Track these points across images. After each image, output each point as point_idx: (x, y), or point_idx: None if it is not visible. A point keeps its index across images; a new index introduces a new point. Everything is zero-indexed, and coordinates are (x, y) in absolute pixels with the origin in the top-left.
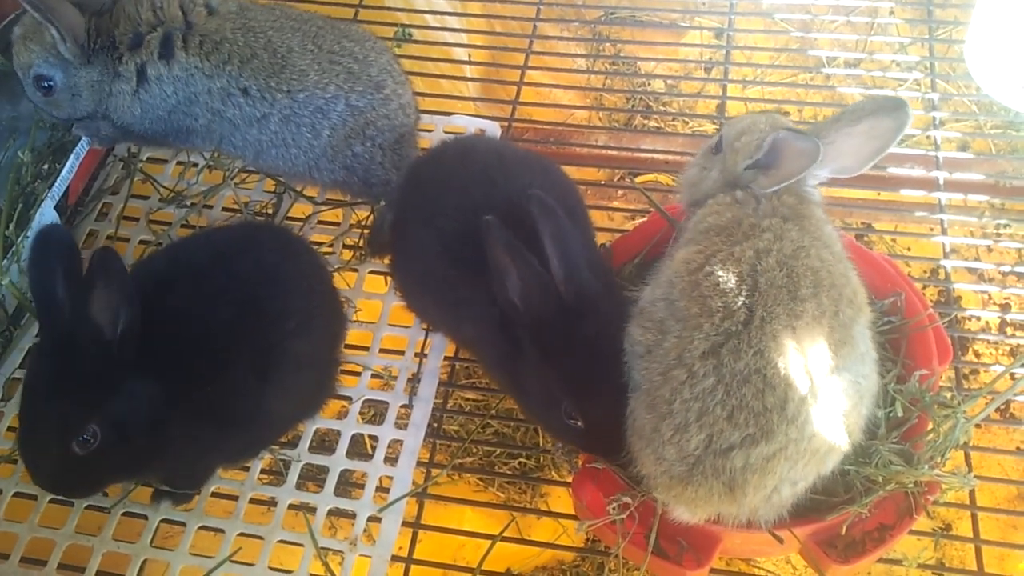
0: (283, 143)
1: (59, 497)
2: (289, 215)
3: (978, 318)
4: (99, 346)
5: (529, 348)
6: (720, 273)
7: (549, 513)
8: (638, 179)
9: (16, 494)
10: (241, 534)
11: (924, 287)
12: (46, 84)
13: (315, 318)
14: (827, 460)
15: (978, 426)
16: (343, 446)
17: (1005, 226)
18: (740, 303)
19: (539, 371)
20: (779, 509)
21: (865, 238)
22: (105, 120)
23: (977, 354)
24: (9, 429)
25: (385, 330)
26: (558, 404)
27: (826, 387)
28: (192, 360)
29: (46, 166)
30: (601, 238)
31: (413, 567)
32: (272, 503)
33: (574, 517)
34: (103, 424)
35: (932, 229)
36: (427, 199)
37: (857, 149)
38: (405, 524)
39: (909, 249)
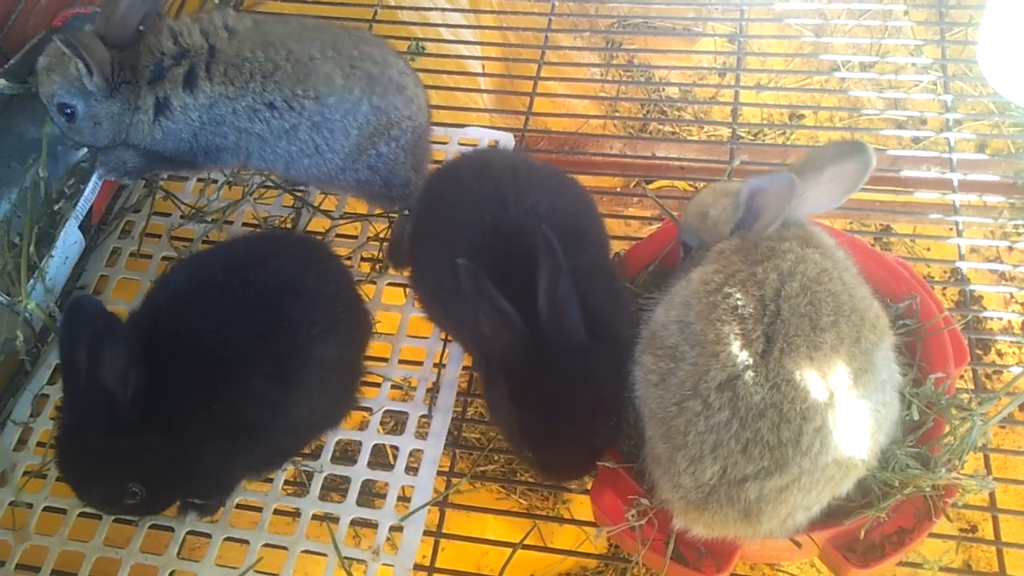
0: (315, 150)
1: (88, 510)
2: (308, 229)
3: (1000, 318)
4: (113, 408)
5: (500, 382)
6: (739, 296)
7: (571, 521)
8: (654, 185)
9: (46, 508)
10: (266, 544)
11: (944, 289)
12: (68, 111)
13: (339, 323)
14: (842, 485)
15: (1002, 427)
16: (364, 457)
17: None
18: (760, 331)
19: (507, 405)
20: (794, 531)
21: (884, 240)
22: (129, 150)
23: (1000, 354)
24: (39, 444)
25: (404, 341)
26: (515, 432)
27: (843, 418)
28: (213, 372)
29: (68, 187)
30: (617, 246)
31: (435, 575)
32: (296, 514)
33: (596, 524)
34: (141, 479)
35: (950, 230)
36: (443, 213)
37: (827, 193)
38: (427, 533)
39: (929, 250)
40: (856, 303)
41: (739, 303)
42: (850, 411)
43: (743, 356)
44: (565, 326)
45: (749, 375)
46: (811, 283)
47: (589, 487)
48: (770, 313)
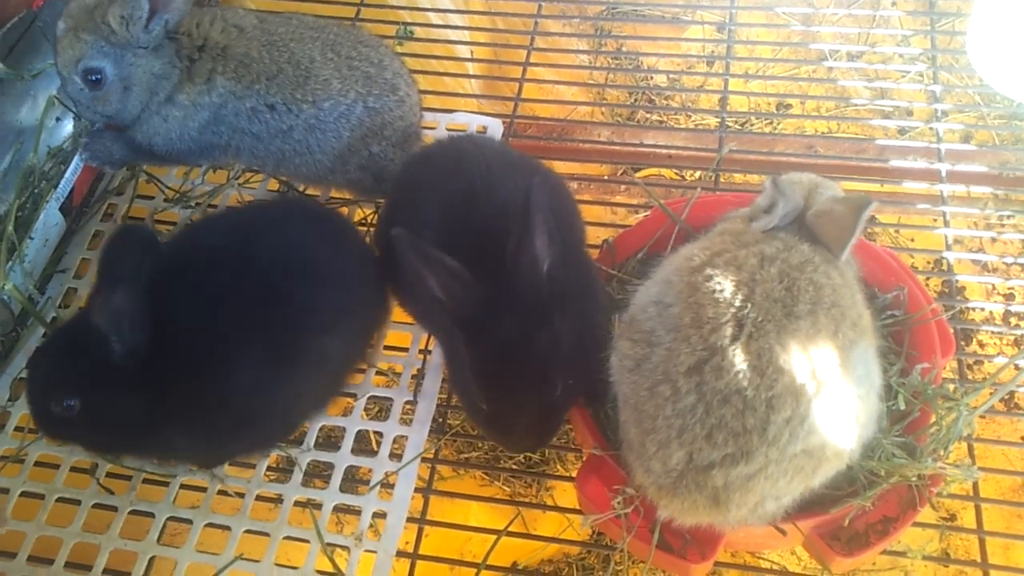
0: (307, 150)
1: (66, 496)
2: None
3: (982, 309)
4: (104, 341)
5: (457, 335)
6: (719, 278)
7: (555, 508)
8: (641, 173)
9: (23, 493)
10: (248, 531)
11: (928, 279)
12: (94, 77)
13: (353, 311)
14: (815, 476)
15: (982, 417)
16: (348, 443)
17: (1009, 217)
18: (730, 315)
19: (464, 356)
20: (768, 519)
21: (868, 230)
22: (119, 139)
23: (982, 344)
24: (16, 428)
25: (389, 327)
26: (471, 386)
27: (812, 410)
28: (212, 348)
29: (50, 167)
30: (604, 233)
31: (419, 562)
32: (278, 500)
33: (579, 511)
34: (83, 400)
35: (935, 221)
36: (414, 209)
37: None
38: (410, 519)
39: (913, 240)
40: (839, 299)
41: (717, 286)
42: (823, 403)
43: (712, 340)
44: (527, 276)
45: (716, 360)
46: (791, 270)
47: (575, 474)
48: (743, 296)
